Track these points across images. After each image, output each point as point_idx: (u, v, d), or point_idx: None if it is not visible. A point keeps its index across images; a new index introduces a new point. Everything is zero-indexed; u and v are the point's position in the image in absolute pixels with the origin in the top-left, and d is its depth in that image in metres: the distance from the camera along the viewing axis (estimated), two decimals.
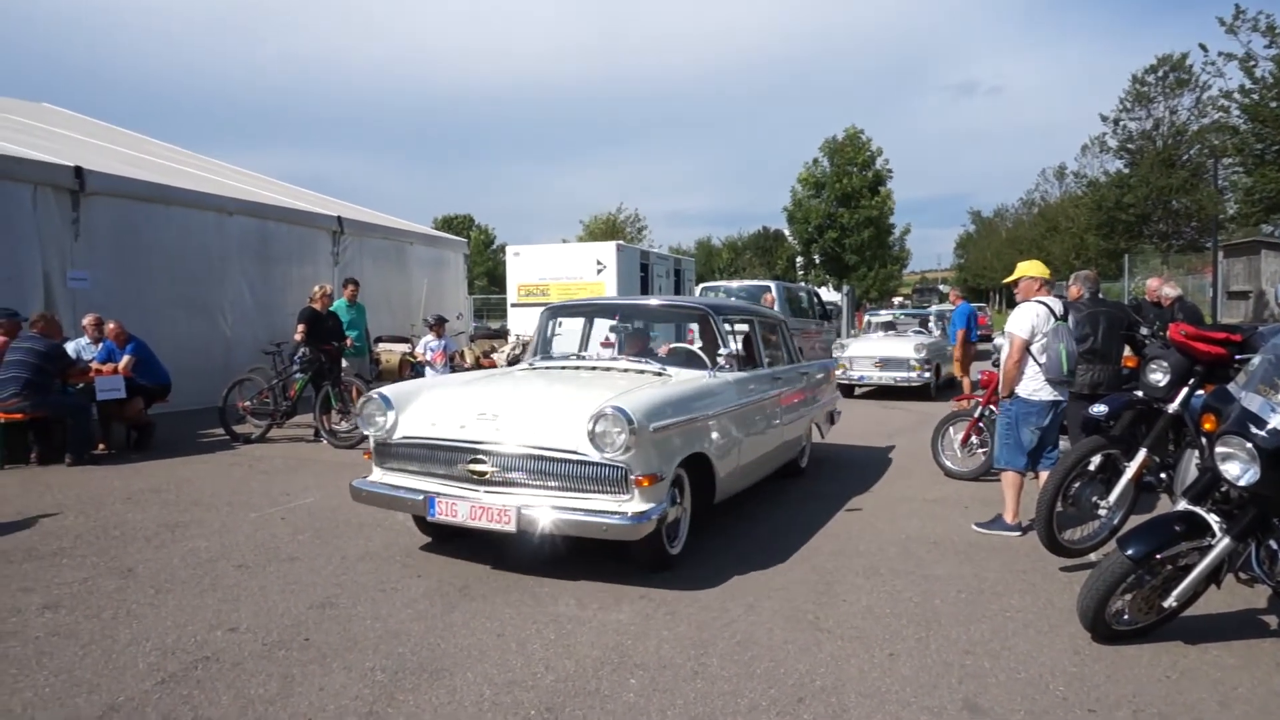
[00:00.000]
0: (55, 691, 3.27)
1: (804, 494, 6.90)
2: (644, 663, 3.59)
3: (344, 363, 10.16)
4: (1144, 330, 6.14)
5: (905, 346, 13.84)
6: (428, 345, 10.27)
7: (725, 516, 6.09)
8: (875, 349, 14.04)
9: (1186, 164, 34.06)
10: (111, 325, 9.09)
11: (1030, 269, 5.79)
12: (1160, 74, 35.25)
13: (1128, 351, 6.47)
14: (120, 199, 10.80)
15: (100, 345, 9.04)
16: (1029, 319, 5.50)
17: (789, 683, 3.42)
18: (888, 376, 13.57)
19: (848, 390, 13.70)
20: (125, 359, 8.84)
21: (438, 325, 10.36)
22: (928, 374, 13.43)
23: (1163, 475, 5.06)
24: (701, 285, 17.78)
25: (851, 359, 13.80)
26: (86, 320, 9.23)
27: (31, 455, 7.99)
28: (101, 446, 8.45)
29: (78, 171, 10.15)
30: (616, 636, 3.87)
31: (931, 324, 15.83)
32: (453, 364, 10.51)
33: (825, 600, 4.40)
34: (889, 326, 16.29)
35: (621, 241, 21.24)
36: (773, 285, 16.09)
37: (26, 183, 9.58)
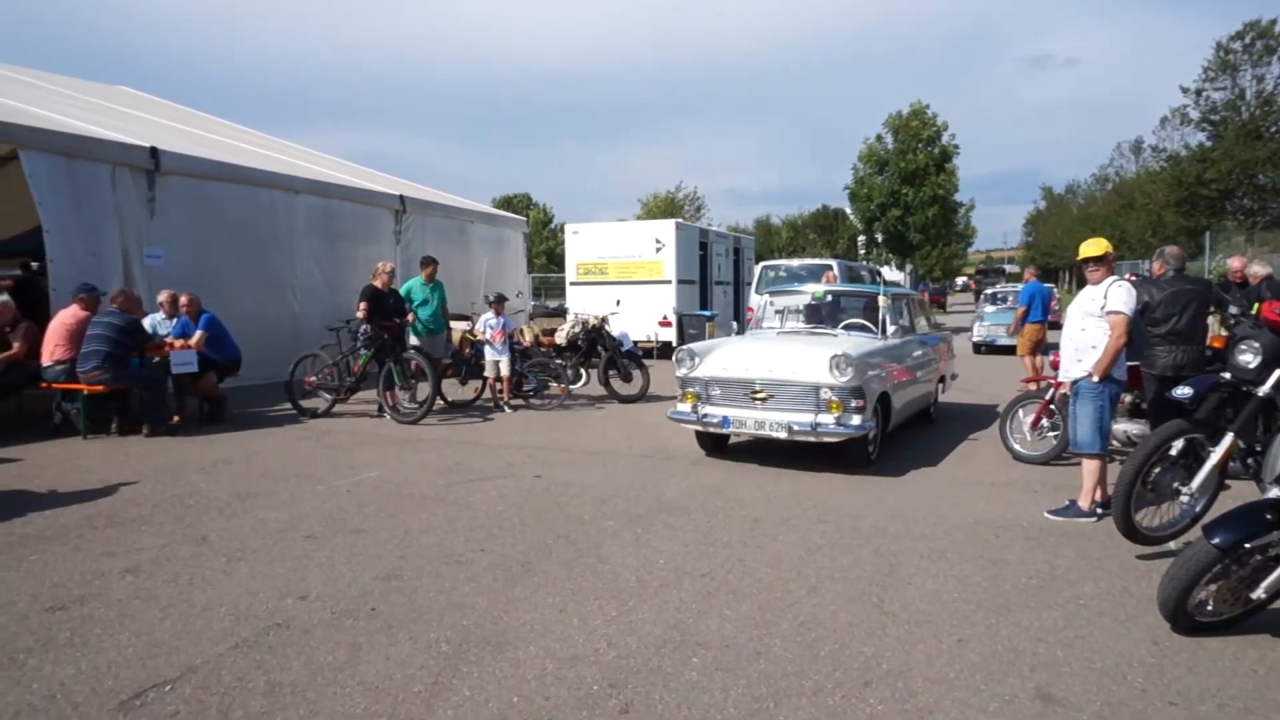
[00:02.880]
0: (137, 652, 3.39)
1: (864, 474, 6.78)
2: (706, 641, 3.57)
3: (417, 340, 10.30)
4: (1232, 309, 5.86)
5: (816, 360, 6.74)
6: (487, 323, 10.34)
7: (783, 493, 6.03)
8: (759, 362, 7.08)
9: (1275, 135, 32.39)
10: (184, 299, 9.38)
11: (1109, 246, 5.58)
12: (1247, 40, 33.50)
13: (1213, 331, 6.19)
14: (193, 178, 11.10)
15: (175, 320, 9.34)
16: (1132, 296, 5.35)
17: (854, 665, 3.36)
18: (777, 421, 6.73)
19: (716, 443, 7.61)
20: (197, 334, 9.12)
21: (498, 303, 10.42)
22: (859, 418, 6.62)
23: (1249, 461, 4.83)
24: (761, 264, 17.56)
25: (709, 383, 7.16)
26: (162, 296, 9.54)
27: (112, 426, 8.31)
28: (176, 418, 8.74)
29: (153, 152, 10.44)
30: (678, 614, 3.85)
31: (886, 315, 8.05)
32: (512, 342, 10.59)
33: (890, 583, 4.31)
34: (813, 315, 8.75)
35: (680, 220, 21.12)
36: (834, 264, 15.82)
37: (106, 163, 9.90)
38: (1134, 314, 5.39)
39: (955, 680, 3.25)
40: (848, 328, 8.08)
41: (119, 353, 8.16)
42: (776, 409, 6.82)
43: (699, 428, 7.25)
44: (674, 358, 7.40)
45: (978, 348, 19.31)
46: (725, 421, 6.94)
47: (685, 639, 3.59)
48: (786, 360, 6.99)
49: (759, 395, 6.89)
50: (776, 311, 8.94)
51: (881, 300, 8.16)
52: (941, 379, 9.51)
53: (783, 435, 6.65)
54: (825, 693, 3.14)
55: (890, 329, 7.95)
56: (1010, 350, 17.12)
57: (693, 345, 7.47)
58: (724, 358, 7.27)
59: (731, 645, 3.54)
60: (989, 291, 24.46)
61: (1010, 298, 20.65)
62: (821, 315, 8.76)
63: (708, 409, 7.10)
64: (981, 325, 19.73)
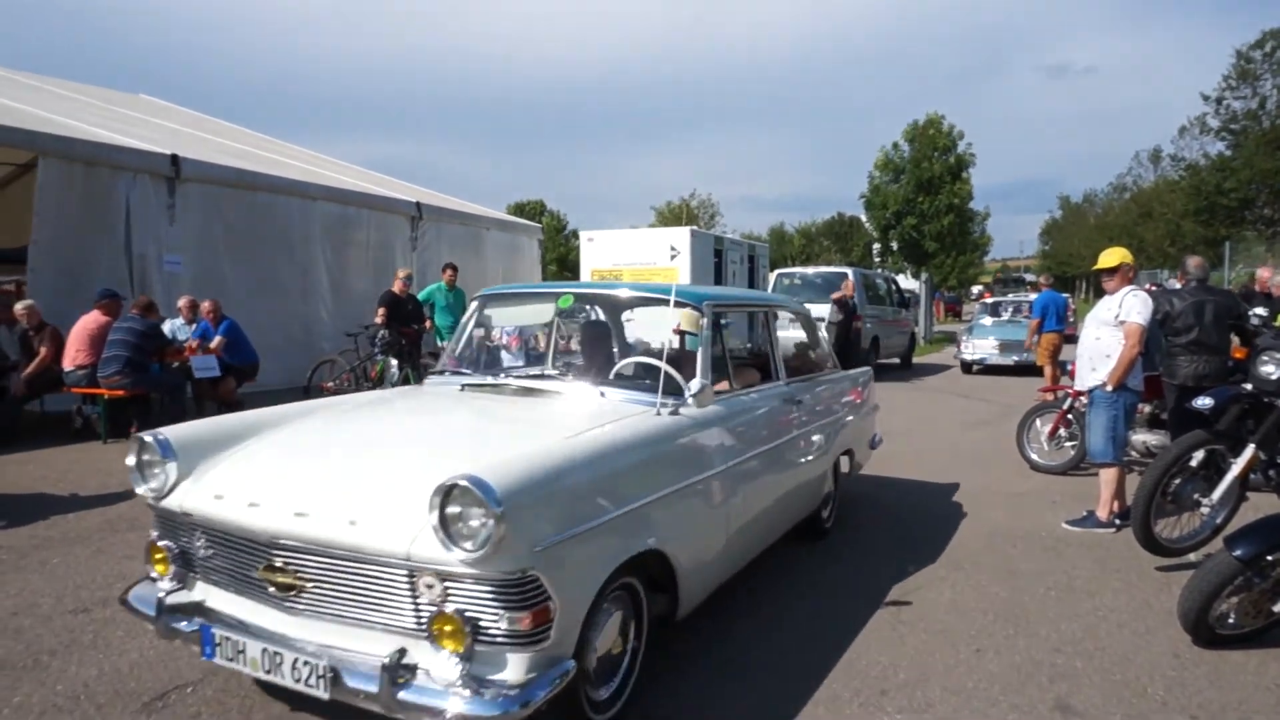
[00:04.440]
0: (159, 654, 3.42)
1: (881, 484, 6.76)
2: (720, 648, 3.56)
3: (446, 345, 10.40)
4: (1255, 320, 5.82)
5: (406, 492, 2.56)
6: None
7: None
8: (297, 485, 2.79)
9: None
10: (207, 304, 9.49)
11: (1127, 256, 5.55)
12: (1268, 49, 33.32)
13: (1236, 342, 6.14)
14: (212, 185, 11.20)
15: (195, 325, 9.43)
16: (1147, 306, 5.33)
17: (871, 674, 3.35)
18: (304, 656, 2.50)
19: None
20: (217, 339, 9.21)
21: None
22: (524, 662, 2.40)
23: (1271, 473, 4.79)
24: (776, 271, 17.56)
25: (193, 528, 2.88)
26: (181, 302, 9.63)
27: (132, 430, 8.38)
28: None
29: (174, 159, 10.56)
30: (692, 620, 3.84)
31: (699, 355, 3.75)
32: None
33: (906, 592, 4.30)
34: (587, 345, 4.76)
35: (695, 227, 21.15)
36: (850, 272, 15.79)
37: (127, 170, 10.02)
38: (1150, 324, 5.36)
39: (973, 691, 3.23)
40: (619, 383, 3.78)
41: (139, 357, 8.24)
42: (314, 617, 2.65)
43: (163, 635, 2.86)
44: (131, 455, 3.02)
45: (968, 367, 16.66)
46: (206, 640, 2.73)
47: (699, 647, 3.59)
48: (349, 484, 2.77)
49: (279, 577, 2.67)
50: (475, 336, 4.60)
51: (687, 319, 3.93)
52: (849, 453, 5.46)
53: (319, 694, 2.51)
54: (842, 701, 3.13)
55: (695, 386, 3.54)
56: (1008, 370, 15.67)
57: (182, 428, 3.22)
58: (237, 467, 3.04)
59: (746, 653, 3.53)
60: (987, 300, 21.02)
61: (1012, 309, 18.23)
62: (585, 350, 4.71)
63: (186, 594, 2.93)
64: (973, 341, 16.67)
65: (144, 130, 12.70)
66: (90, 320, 8.44)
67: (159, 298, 9.77)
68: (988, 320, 17.90)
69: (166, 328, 9.21)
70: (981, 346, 16.35)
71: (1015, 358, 15.55)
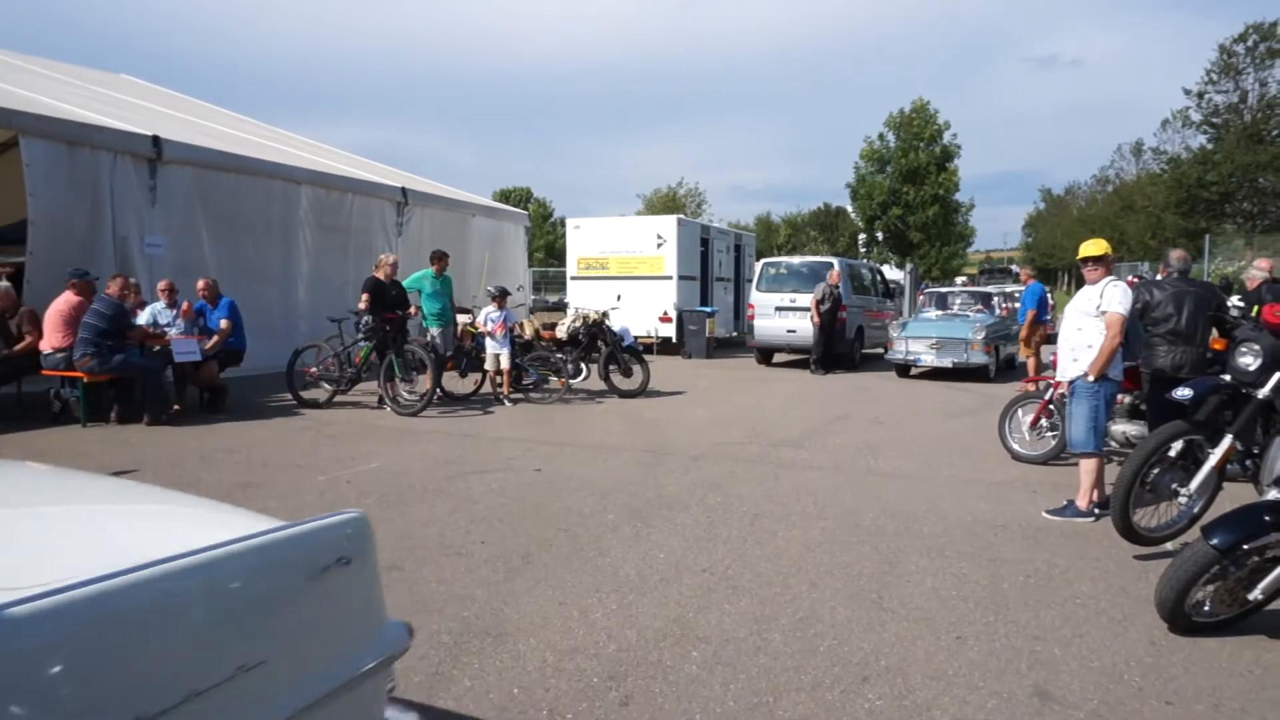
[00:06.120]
0: None
1: (863, 471, 6.80)
2: (706, 636, 3.58)
3: (434, 331, 10.41)
4: (1234, 312, 5.88)
5: None
6: (489, 316, 10.35)
7: (783, 489, 6.04)
8: None
9: (1276, 139, 32.49)
10: (201, 282, 9.47)
11: (1108, 247, 5.60)
12: (1250, 43, 33.58)
13: (1215, 333, 6.21)
14: (195, 167, 11.09)
15: (174, 309, 9.29)
16: (1128, 296, 5.38)
17: (853, 661, 3.38)
18: None
19: None
20: (224, 323, 9.20)
21: (500, 297, 10.43)
22: None
23: (1248, 463, 4.86)
24: (763, 261, 17.57)
25: None
26: (160, 285, 9.52)
27: (112, 414, 8.30)
28: (176, 407, 8.74)
29: (155, 140, 10.43)
30: (678, 608, 3.86)
31: None
32: (512, 335, 10.61)
33: (889, 580, 4.33)
34: None
35: (682, 216, 21.13)
36: (836, 262, 15.82)
37: (108, 151, 9.89)
38: (1130, 314, 5.41)
39: (954, 677, 3.26)
40: None
41: (103, 339, 8.05)
42: None
43: None
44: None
45: (904, 370, 13.89)
46: None
47: (685, 633, 3.60)
48: None
49: None
50: None
51: None
52: None
53: None
54: (824, 688, 3.16)
55: None
56: (947, 374, 13.41)
57: None
58: None
59: (731, 640, 3.55)
60: (933, 290, 18.01)
61: (961, 301, 15.43)
62: None
63: None
64: (905, 338, 13.58)
65: (125, 111, 12.53)
66: (62, 302, 8.31)
67: (141, 280, 9.69)
68: (933, 314, 14.81)
69: (148, 312, 9.11)
70: (916, 346, 13.40)
71: (954, 359, 13.09)
